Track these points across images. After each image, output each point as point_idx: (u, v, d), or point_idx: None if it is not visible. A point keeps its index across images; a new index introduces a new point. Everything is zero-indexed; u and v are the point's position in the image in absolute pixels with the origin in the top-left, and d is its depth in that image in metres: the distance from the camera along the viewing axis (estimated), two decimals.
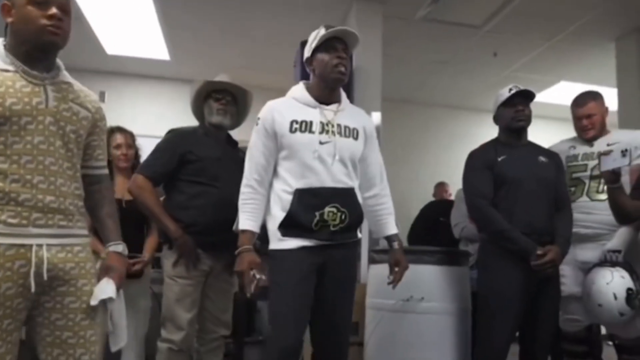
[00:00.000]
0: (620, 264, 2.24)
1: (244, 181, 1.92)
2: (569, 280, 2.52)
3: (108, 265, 1.52)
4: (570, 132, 2.83)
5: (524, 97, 2.39)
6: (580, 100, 2.65)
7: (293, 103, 1.95)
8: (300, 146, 1.85)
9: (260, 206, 1.89)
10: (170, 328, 2.25)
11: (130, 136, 2.75)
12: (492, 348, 2.29)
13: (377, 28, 3.82)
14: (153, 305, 2.71)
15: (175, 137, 2.44)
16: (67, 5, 1.41)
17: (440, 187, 5.25)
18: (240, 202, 1.90)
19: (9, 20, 1.38)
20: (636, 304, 2.15)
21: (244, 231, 1.86)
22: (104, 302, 1.45)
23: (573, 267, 2.51)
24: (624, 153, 2.06)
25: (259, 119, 1.93)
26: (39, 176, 1.34)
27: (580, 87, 5.03)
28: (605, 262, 2.28)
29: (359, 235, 2.01)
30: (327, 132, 1.88)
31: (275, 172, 1.92)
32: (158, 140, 2.42)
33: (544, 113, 5.65)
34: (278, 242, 1.87)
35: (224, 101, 2.44)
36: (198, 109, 2.49)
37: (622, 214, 2.25)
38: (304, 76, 2.56)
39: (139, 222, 2.63)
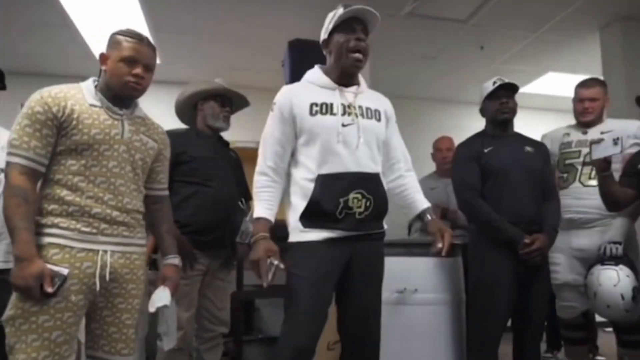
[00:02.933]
0: (622, 259, 2.28)
1: (258, 169, 1.81)
2: (562, 268, 2.56)
3: (165, 275, 1.77)
4: (559, 122, 2.89)
5: (508, 89, 2.43)
6: (588, 82, 2.73)
7: (310, 86, 1.84)
8: (321, 129, 1.74)
9: (276, 195, 1.78)
10: None
11: None
12: (485, 337, 2.33)
13: None
14: None
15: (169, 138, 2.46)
16: (151, 65, 1.67)
17: None
18: (255, 190, 1.79)
19: (104, 68, 1.64)
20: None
21: (258, 219, 1.74)
22: (160, 308, 1.69)
23: (567, 255, 2.56)
24: (615, 141, 2.12)
25: (274, 104, 1.81)
26: (109, 194, 1.58)
27: (567, 78, 5.13)
28: (606, 257, 2.32)
29: (385, 226, 1.88)
30: (350, 114, 1.77)
31: (294, 160, 1.81)
32: None
33: (532, 104, 5.71)
34: (299, 234, 1.75)
35: (229, 108, 2.50)
36: (190, 109, 2.51)
37: (611, 202, 2.31)
38: (293, 75, 2.58)
39: None
